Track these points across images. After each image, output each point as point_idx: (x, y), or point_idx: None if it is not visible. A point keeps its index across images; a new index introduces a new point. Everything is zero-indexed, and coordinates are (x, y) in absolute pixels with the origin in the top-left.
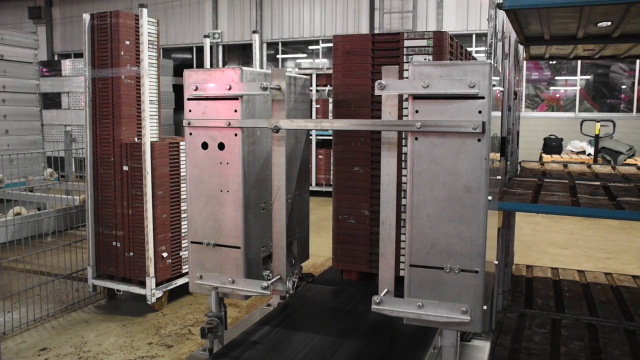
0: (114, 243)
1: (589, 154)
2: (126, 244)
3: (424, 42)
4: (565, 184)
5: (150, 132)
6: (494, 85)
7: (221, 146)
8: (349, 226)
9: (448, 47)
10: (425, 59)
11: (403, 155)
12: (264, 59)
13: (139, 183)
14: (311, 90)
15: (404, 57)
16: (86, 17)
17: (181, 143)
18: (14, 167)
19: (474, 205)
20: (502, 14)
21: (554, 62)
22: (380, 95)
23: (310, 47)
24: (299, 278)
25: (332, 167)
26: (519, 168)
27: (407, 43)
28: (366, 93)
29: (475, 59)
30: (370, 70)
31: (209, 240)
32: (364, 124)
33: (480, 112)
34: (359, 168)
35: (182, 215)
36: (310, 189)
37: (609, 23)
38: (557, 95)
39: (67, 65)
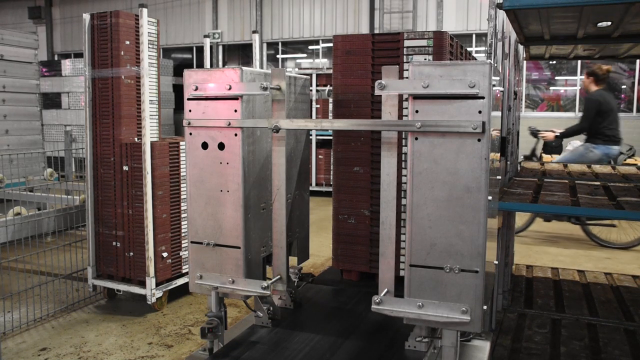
0: (114, 243)
1: None
2: (126, 244)
3: (424, 42)
4: (565, 184)
5: (150, 132)
6: (494, 85)
7: (221, 146)
8: (349, 226)
9: (448, 47)
10: (425, 59)
11: (403, 155)
12: (264, 59)
13: (139, 183)
14: (311, 90)
15: (404, 57)
16: (86, 17)
17: (181, 143)
18: (14, 167)
19: (474, 205)
20: (502, 14)
21: (554, 62)
22: (381, 95)
23: (310, 47)
24: (299, 278)
25: (332, 167)
26: (519, 168)
27: (407, 43)
28: (366, 93)
29: (475, 59)
30: (370, 70)
31: (209, 240)
32: (364, 124)
33: (480, 112)
34: (359, 168)
35: (182, 215)
36: (310, 189)
37: (609, 23)
38: (557, 95)
39: (67, 65)
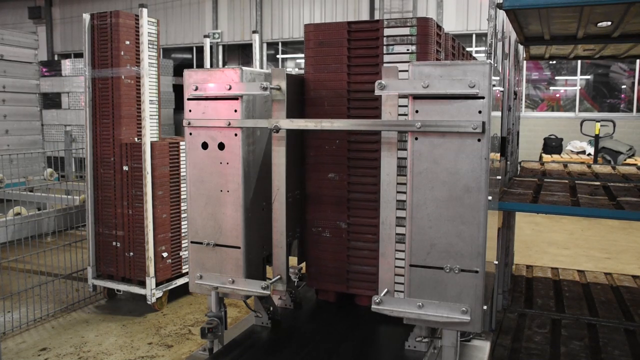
0: (114, 243)
1: (589, 154)
2: (126, 244)
3: (406, 31)
4: (565, 184)
5: (150, 132)
6: (494, 85)
7: (221, 146)
8: (324, 240)
9: (434, 36)
10: (407, 50)
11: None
12: (264, 59)
13: (139, 183)
14: None
15: (384, 47)
16: (86, 17)
17: (181, 143)
18: (14, 167)
19: (474, 205)
20: (502, 14)
21: (554, 62)
22: (358, 92)
23: None
24: (299, 278)
25: (305, 173)
26: (519, 168)
27: (387, 32)
28: (341, 89)
29: (472, 56)
30: (346, 64)
31: (209, 240)
32: (364, 124)
33: (480, 112)
34: (334, 174)
35: (182, 215)
36: None
37: (609, 23)
38: (557, 95)
39: (67, 65)
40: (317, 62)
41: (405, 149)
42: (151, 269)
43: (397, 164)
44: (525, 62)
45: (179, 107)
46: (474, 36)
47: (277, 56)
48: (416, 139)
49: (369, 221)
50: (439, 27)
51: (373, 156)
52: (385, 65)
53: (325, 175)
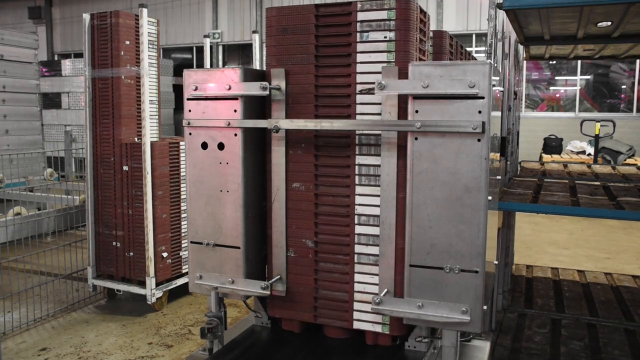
0: (114, 243)
1: (589, 154)
2: (126, 244)
3: (383, 14)
4: (565, 184)
5: (150, 132)
6: (494, 85)
7: (221, 146)
8: (288, 261)
9: (417, 21)
10: (385, 37)
11: (357, 160)
12: (264, 59)
13: (139, 183)
14: None
15: (358, 34)
16: (86, 17)
17: (181, 143)
18: (14, 167)
19: (474, 205)
20: (502, 14)
21: (554, 62)
22: (328, 88)
23: None
24: None
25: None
26: (519, 168)
27: (361, 16)
28: (308, 84)
29: (471, 54)
30: (314, 54)
31: (209, 240)
32: (364, 124)
33: (480, 112)
34: (299, 184)
35: (182, 215)
36: None
37: (609, 23)
38: (557, 95)
39: (67, 65)
40: (280, 53)
41: (365, 154)
42: (151, 269)
43: (366, 171)
44: (525, 62)
45: (179, 107)
46: (474, 36)
47: None
48: (416, 139)
49: (340, 239)
50: (423, 13)
51: (345, 163)
52: (385, 65)
53: (289, 185)
